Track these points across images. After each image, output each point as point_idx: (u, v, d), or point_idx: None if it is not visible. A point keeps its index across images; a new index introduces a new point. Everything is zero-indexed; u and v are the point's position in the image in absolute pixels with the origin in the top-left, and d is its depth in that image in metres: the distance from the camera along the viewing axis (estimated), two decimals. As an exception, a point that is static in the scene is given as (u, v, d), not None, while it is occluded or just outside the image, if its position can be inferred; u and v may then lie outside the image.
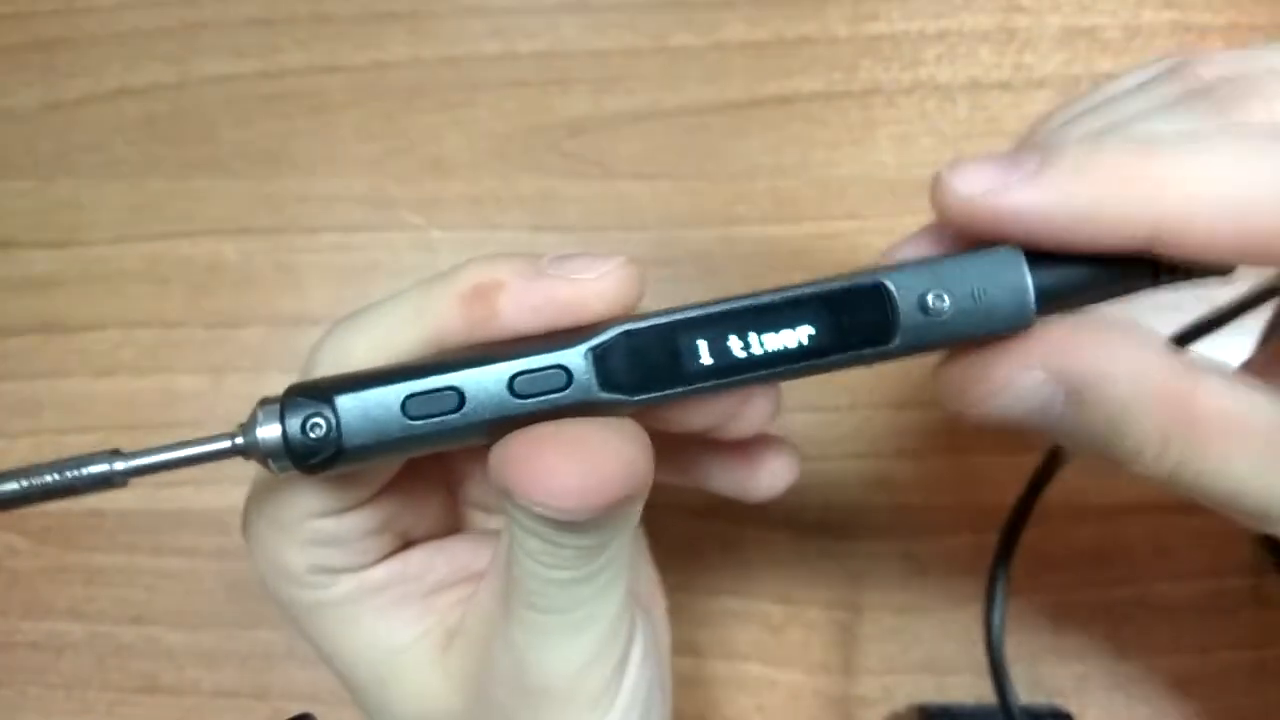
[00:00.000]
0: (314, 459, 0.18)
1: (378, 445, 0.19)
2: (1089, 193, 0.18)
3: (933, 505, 0.35)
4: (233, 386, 0.37)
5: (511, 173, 0.37)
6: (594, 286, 0.19)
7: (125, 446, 0.19)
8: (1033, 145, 0.22)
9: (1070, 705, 0.33)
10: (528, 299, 0.19)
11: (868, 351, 0.19)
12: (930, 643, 0.34)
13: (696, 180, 0.37)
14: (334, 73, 0.38)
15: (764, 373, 0.19)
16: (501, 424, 0.19)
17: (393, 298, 0.21)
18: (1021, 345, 0.19)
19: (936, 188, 0.19)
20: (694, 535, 0.35)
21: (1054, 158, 0.18)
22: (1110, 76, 0.23)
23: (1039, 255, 0.19)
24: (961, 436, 0.35)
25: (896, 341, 0.19)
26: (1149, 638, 0.34)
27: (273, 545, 0.22)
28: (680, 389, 0.19)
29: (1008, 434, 0.34)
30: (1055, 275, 0.19)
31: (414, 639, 0.23)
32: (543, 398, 0.19)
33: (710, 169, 0.37)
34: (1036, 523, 0.33)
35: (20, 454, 0.37)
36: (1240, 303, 0.21)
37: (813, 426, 0.35)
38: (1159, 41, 0.37)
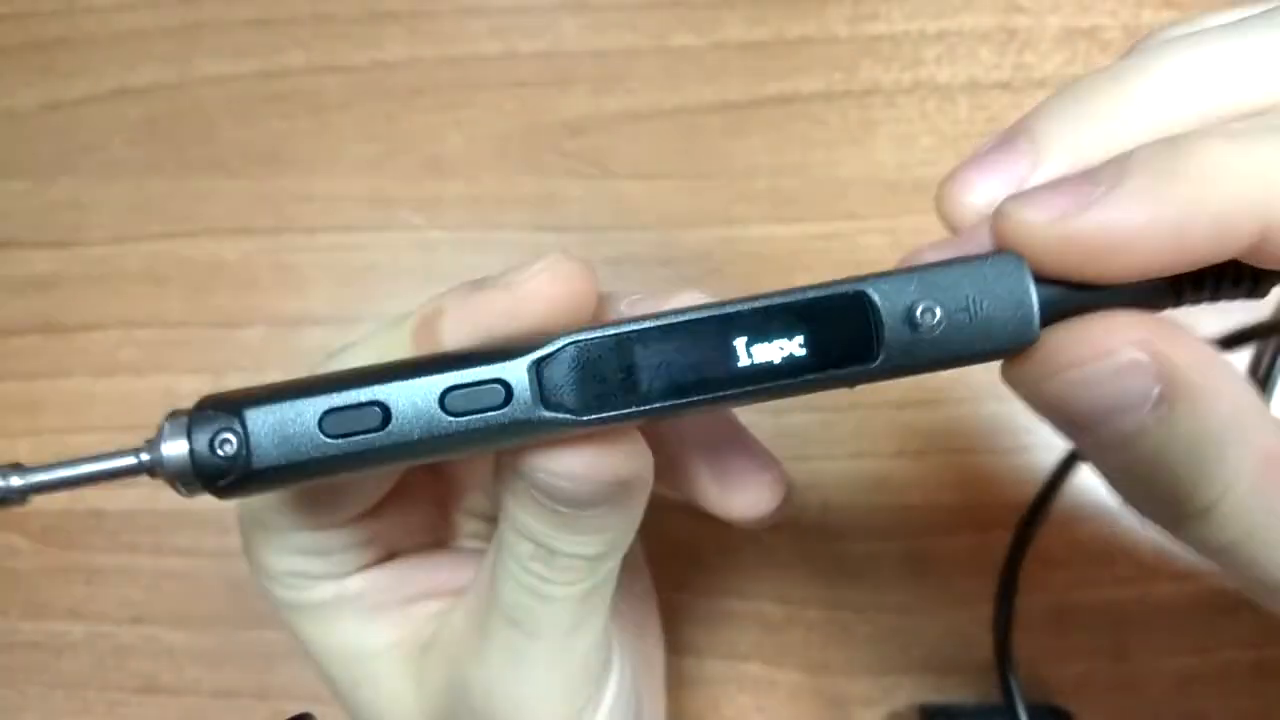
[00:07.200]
0: (223, 480, 0.17)
1: (291, 467, 0.16)
2: (1182, 202, 0.15)
3: (933, 505, 0.35)
4: (233, 386, 0.36)
5: (511, 173, 0.37)
6: (528, 287, 0.18)
7: (84, 451, 0.17)
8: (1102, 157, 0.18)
9: (1070, 705, 0.33)
10: (465, 316, 0.18)
11: (846, 371, 0.16)
12: (930, 643, 0.34)
13: (696, 180, 0.37)
14: (334, 73, 0.38)
15: (728, 393, 0.17)
16: (432, 445, 0.17)
17: (365, 335, 0.20)
18: (1127, 321, 0.16)
19: (998, 216, 0.16)
20: (694, 535, 0.35)
21: (1132, 165, 0.15)
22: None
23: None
24: (961, 436, 0.35)
25: (880, 359, 0.16)
26: (1149, 638, 0.34)
27: (256, 545, 0.22)
28: (633, 409, 0.17)
29: (1008, 434, 0.35)
30: (1063, 288, 0.16)
31: (387, 646, 0.23)
32: (478, 416, 0.16)
33: (710, 169, 0.37)
34: (1037, 522, 0.33)
35: (20, 454, 0.36)
36: (1266, 325, 0.20)
37: (813, 426, 0.35)
38: (1159, 41, 0.37)
